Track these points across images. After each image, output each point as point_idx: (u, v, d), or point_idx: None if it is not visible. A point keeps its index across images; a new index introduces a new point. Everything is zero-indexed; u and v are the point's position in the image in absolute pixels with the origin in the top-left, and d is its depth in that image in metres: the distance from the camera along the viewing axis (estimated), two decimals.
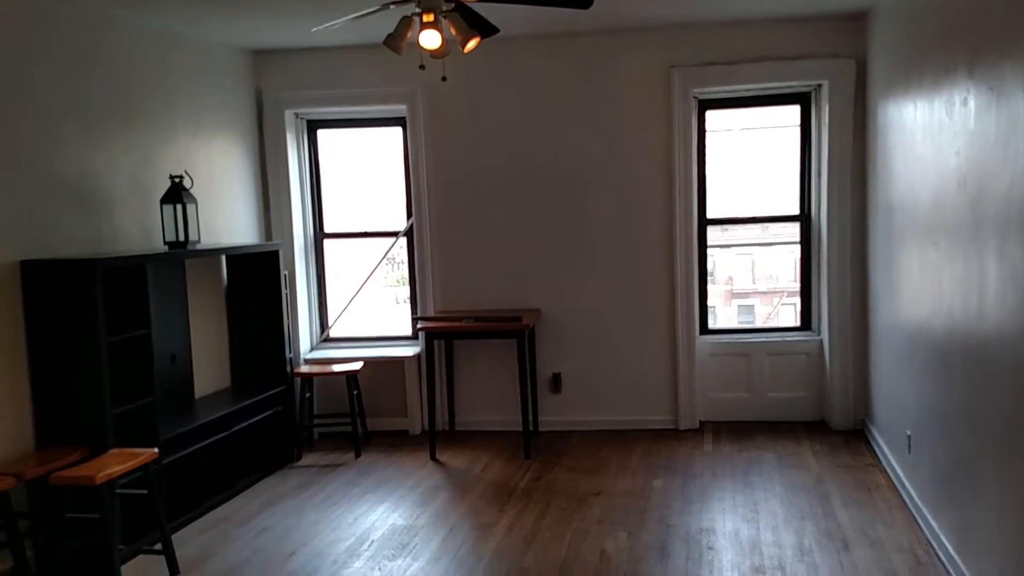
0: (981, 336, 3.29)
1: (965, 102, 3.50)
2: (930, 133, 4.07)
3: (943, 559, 3.76)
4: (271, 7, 4.89)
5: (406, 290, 6.59)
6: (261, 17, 5.15)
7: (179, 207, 4.94)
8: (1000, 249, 3.06)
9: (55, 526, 3.88)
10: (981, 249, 3.28)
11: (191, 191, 5.03)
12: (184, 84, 5.46)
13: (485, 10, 4.09)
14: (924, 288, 4.20)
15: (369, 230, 6.69)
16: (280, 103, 6.23)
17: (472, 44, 3.87)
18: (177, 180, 4.98)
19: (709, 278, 6.31)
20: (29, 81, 4.25)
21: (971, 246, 3.41)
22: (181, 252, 4.98)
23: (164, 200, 4.94)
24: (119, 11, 4.79)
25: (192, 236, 5.00)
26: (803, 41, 5.73)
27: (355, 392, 6.00)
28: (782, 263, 6.47)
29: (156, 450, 4.14)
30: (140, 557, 4.26)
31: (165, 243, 4.96)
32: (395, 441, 6.20)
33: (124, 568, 4.09)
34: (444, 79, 4.15)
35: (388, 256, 6.72)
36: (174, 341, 5.16)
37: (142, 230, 5.01)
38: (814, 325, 6.19)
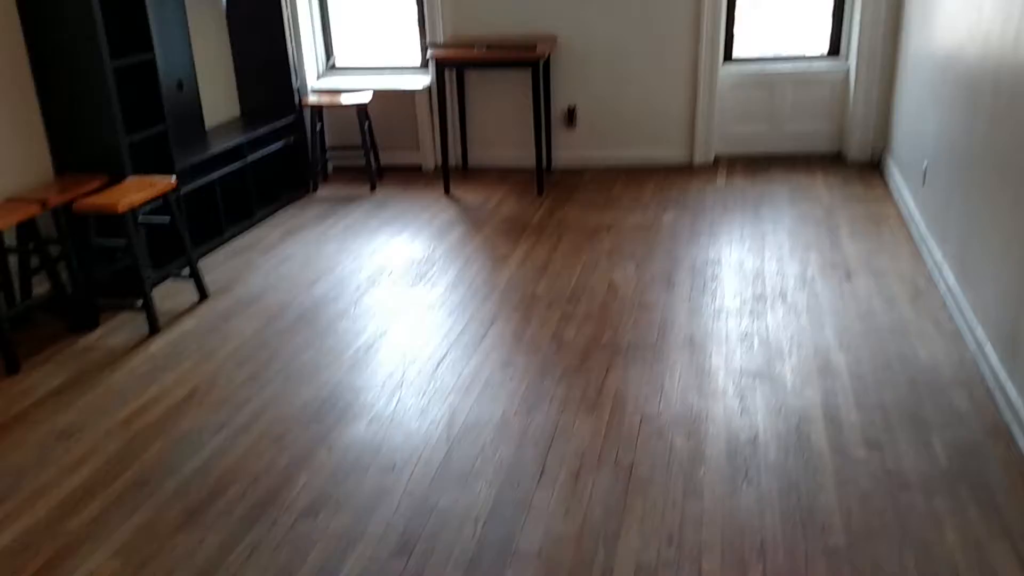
0: (1016, 65, 3.15)
1: None
2: None
3: (942, 288, 3.88)
4: None
5: (413, 16, 6.25)
6: None
7: None
8: None
9: (84, 252, 4.02)
10: None
11: None
12: None
13: None
14: (962, 11, 3.96)
15: None
16: None
17: None
18: None
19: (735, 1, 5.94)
20: None
21: None
22: None
23: None
24: None
25: None
26: None
27: (367, 125, 5.93)
28: None
29: (174, 178, 4.18)
30: (169, 282, 4.46)
31: None
32: (409, 176, 6.23)
33: (155, 292, 4.30)
34: None
35: None
36: (178, 66, 5.01)
37: None
38: (842, 51, 5.93)
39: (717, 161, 6.11)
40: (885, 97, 5.66)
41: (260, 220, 5.39)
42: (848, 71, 5.84)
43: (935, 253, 4.09)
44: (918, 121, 4.76)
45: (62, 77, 4.11)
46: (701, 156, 6.06)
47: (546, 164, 6.05)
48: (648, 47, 5.85)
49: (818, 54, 6.07)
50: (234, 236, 5.13)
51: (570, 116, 6.10)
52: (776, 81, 5.95)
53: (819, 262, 4.33)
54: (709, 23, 5.72)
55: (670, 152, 6.10)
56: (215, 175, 4.93)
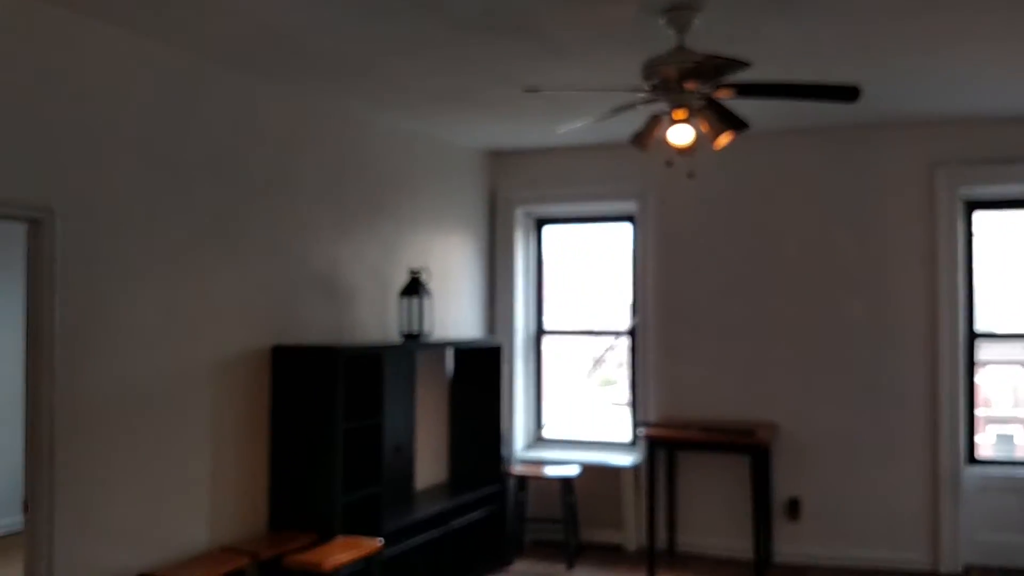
0: None
1: None
2: None
3: None
4: (515, 109, 5.00)
5: (618, 392, 6.32)
6: (503, 119, 5.30)
7: (415, 300, 5.04)
8: None
9: None
10: None
11: (427, 285, 5.14)
12: (426, 181, 5.68)
13: (737, 104, 3.91)
14: None
15: (590, 328, 6.56)
16: (512, 201, 6.35)
17: (724, 140, 3.69)
18: (416, 274, 5.11)
19: (976, 400, 5.55)
20: (295, 176, 4.56)
21: None
22: (415, 344, 5.05)
23: (404, 292, 5.06)
24: (375, 114, 5.10)
25: (426, 328, 5.07)
26: None
27: (570, 499, 5.75)
28: None
29: (381, 541, 4.09)
30: None
31: (401, 334, 5.06)
32: (609, 556, 5.84)
33: None
34: (692, 176, 3.97)
35: (603, 358, 6.54)
36: (400, 431, 5.19)
37: (379, 321, 5.16)
38: None
39: (968, 571, 5.29)
40: None
41: None
42: None
43: None
44: None
45: (296, 436, 4.32)
46: (948, 564, 5.29)
47: (766, 558, 5.49)
48: (880, 440, 5.45)
49: None
50: None
51: (793, 508, 5.63)
52: None
53: None
54: (947, 420, 5.31)
55: (910, 555, 5.38)
56: (417, 539, 4.82)
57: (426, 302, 5.10)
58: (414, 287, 5.08)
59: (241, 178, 4.24)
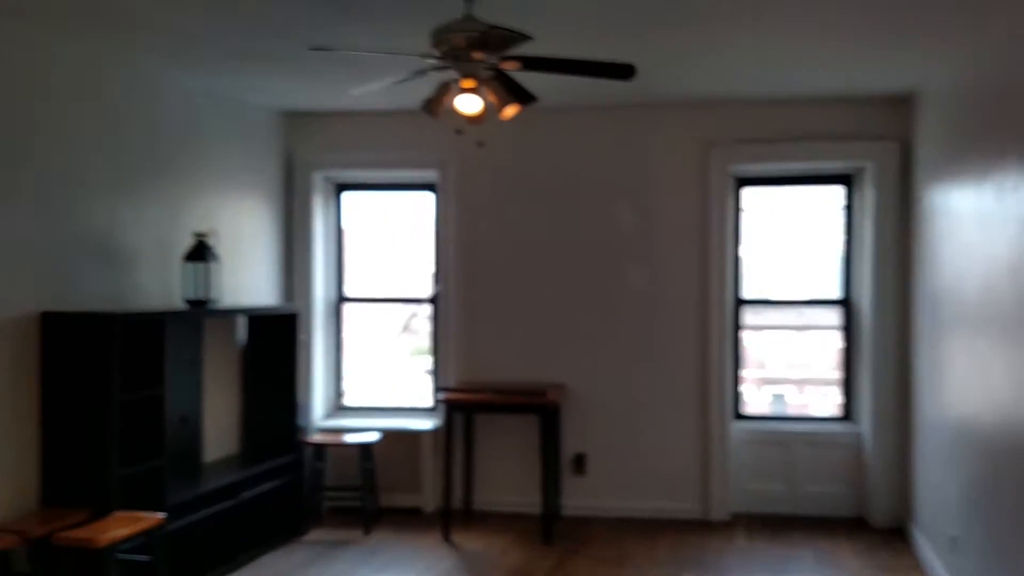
0: None
1: (1016, 189, 3.37)
2: (978, 220, 3.94)
3: None
4: (308, 70, 4.89)
5: (427, 361, 6.41)
6: (297, 79, 5.16)
7: (201, 265, 4.85)
8: None
9: None
10: None
11: (215, 250, 4.95)
12: (217, 142, 5.45)
13: (525, 78, 4.03)
14: (972, 381, 3.99)
15: (392, 296, 6.58)
16: (310, 165, 6.21)
17: (511, 111, 3.81)
18: (203, 238, 4.91)
19: (743, 361, 6.09)
20: (69, 131, 4.25)
21: (1023, 337, 3.22)
22: (201, 311, 4.87)
23: (188, 257, 4.85)
24: (163, 70, 4.83)
25: (214, 295, 4.89)
26: (846, 122, 5.63)
27: (368, 465, 5.78)
28: (819, 349, 6.24)
29: (162, 515, 3.95)
30: None
31: (185, 301, 4.85)
32: (407, 519, 5.94)
33: None
34: (481, 144, 4.07)
35: (410, 325, 6.60)
36: (186, 402, 5.00)
37: (162, 286, 4.92)
38: (854, 416, 5.93)
39: (735, 518, 5.83)
40: (903, 463, 5.54)
41: (244, 563, 5.01)
42: (861, 436, 5.80)
43: None
44: (940, 488, 4.59)
45: (68, 408, 4.06)
46: (718, 512, 5.81)
47: (554, 511, 5.78)
48: (658, 399, 5.88)
49: (831, 415, 6.09)
50: None
51: (579, 463, 5.97)
52: (789, 440, 5.90)
53: None
54: (716, 380, 5.80)
55: (684, 506, 5.86)
56: (204, 513, 4.68)
57: (213, 267, 4.90)
58: (200, 252, 4.88)
59: (8, 130, 3.90)
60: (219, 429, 5.43)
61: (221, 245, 5.18)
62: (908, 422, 5.47)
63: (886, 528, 5.57)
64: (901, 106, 5.53)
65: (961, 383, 4.21)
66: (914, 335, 5.37)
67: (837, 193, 5.98)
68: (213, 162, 5.41)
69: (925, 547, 4.88)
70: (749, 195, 6.05)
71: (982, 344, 3.82)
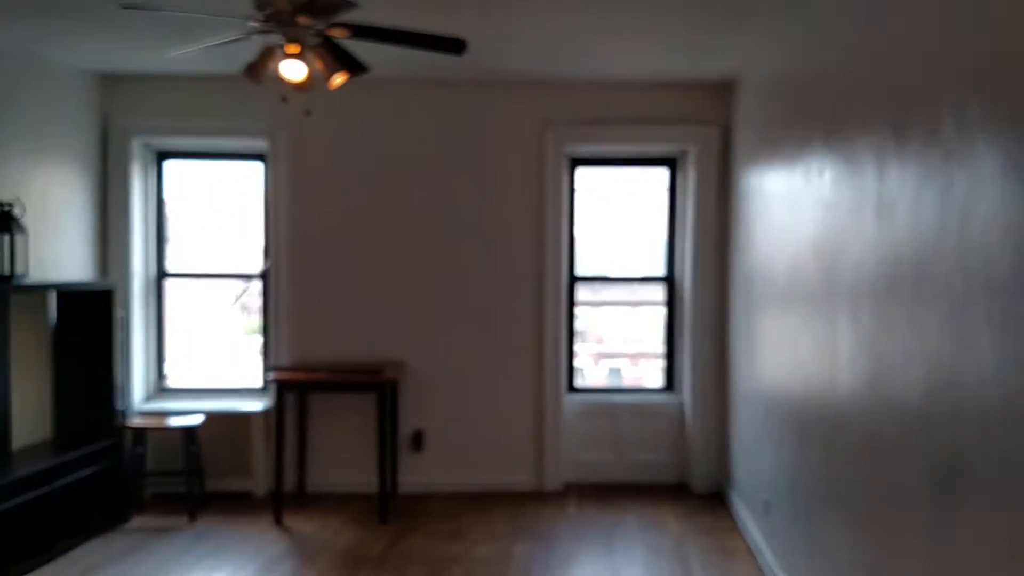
0: (835, 401, 3.32)
1: (821, 173, 3.59)
2: (789, 202, 4.17)
3: None
4: (123, 30, 4.56)
5: (259, 340, 6.18)
6: (111, 39, 4.80)
7: (6, 237, 4.45)
8: (852, 316, 3.11)
9: None
10: (835, 316, 3.33)
11: (21, 221, 4.55)
12: (21, 105, 4.99)
13: (356, 47, 3.93)
14: (781, 354, 4.26)
15: (219, 271, 6.28)
16: (127, 130, 5.81)
17: (339, 80, 3.70)
18: (7, 208, 4.50)
19: (578, 337, 6.25)
20: None
21: (826, 313, 3.46)
22: (6, 286, 4.47)
23: None
24: None
25: (19, 270, 4.51)
26: (673, 106, 5.85)
27: (193, 449, 5.52)
28: (650, 324, 6.50)
29: None
30: None
31: None
32: (237, 504, 5.72)
33: None
34: (308, 113, 3.93)
35: (242, 302, 6.33)
36: None
37: None
38: (677, 387, 6.23)
39: (568, 488, 6.00)
40: (721, 431, 5.88)
41: (59, 554, 4.69)
42: (682, 406, 6.09)
43: None
44: (754, 455, 4.89)
45: None
46: (551, 483, 5.96)
47: (391, 490, 5.74)
48: (495, 375, 5.94)
49: (655, 387, 6.35)
50: (24, 574, 4.40)
51: (417, 440, 5.95)
52: (618, 411, 6.12)
53: None
54: (551, 355, 5.92)
55: (521, 478, 5.97)
56: (13, 502, 4.33)
57: (19, 240, 4.52)
58: (4, 223, 4.49)
59: None
60: (29, 414, 5.02)
61: (28, 216, 4.79)
62: (725, 393, 5.80)
63: (707, 493, 5.90)
64: (723, 92, 5.82)
65: (772, 356, 4.49)
66: (731, 311, 5.69)
67: (663, 175, 6.22)
68: (19, 126, 4.95)
69: (742, 511, 5.20)
70: (583, 175, 6.19)
71: (791, 319, 4.07)
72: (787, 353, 4.12)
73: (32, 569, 4.48)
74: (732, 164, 5.71)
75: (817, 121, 3.67)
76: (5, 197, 4.63)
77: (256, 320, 6.26)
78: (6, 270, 4.48)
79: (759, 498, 4.69)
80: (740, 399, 5.36)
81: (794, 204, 4.05)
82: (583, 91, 5.83)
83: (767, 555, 4.41)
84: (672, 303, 6.23)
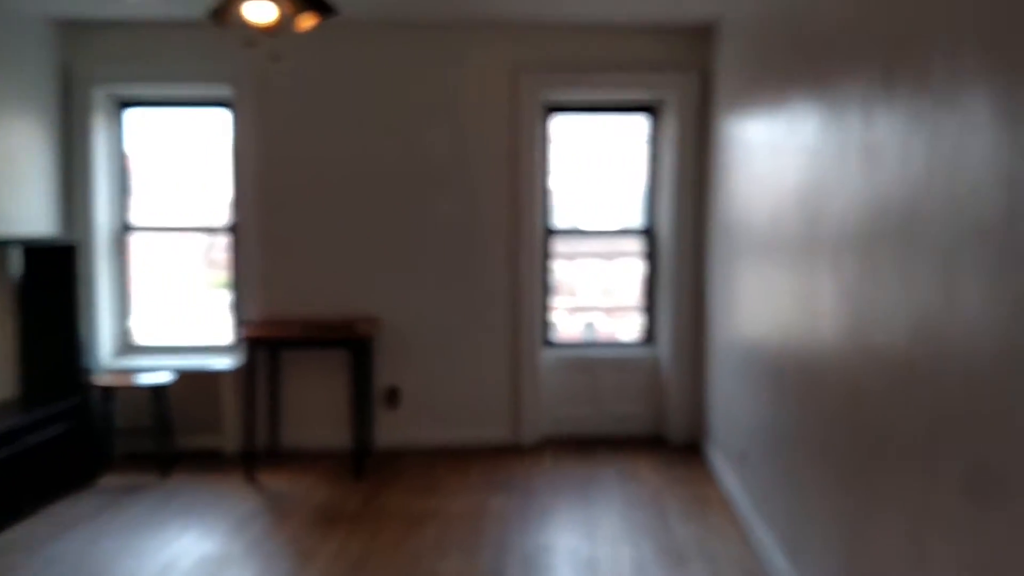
0: (814, 352, 3.29)
1: (805, 120, 3.51)
2: (771, 150, 4.09)
3: (774, 572, 3.74)
4: None
5: (229, 296, 6.05)
6: None
7: None
8: (835, 266, 3.06)
9: None
10: (816, 266, 3.28)
11: None
12: None
13: None
14: (761, 306, 4.22)
15: (186, 225, 6.12)
16: (89, 80, 5.59)
17: (307, 22, 3.54)
18: None
19: (552, 291, 6.19)
20: None
21: (807, 263, 3.41)
22: None
23: None
24: None
25: None
26: (651, 51, 5.72)
27: (163, 406, 5.42)
28: (627, 277, 6.44)
29: None
30: None
31: None
32: (208, 461, 5.64)
33: None
34: (276, 59, 3.78)
35: (210, 256, 6.18)
36: None
37: None
38: (655, 340, 6.20)
39: (545, 442, 5.99)
40: (697, 383, 5.87)
41: (28, 514, 4.60)
42: (659, 359, 6.07)
43: (763, 535, 4.00)
44: (732, 406, 4.89)
45: None
46: (528, 437, 5.94)
47: (366, 446, 5.70)
48: (470, 330, 5.87)
49: (634, 340, 6.33)
50: None
51: (393, 397, 5.88)
52: (595, 365, 6.08)
53: (652, 547, 4.13)
54: (526, 309, 5.85)
55: (496, 433, 5.94)
56: None
57: None
58: None
59: None
60: None
61: None
62: (703, 345, 5.79)
63: (683, 445, 5.91)
64: (703, 37, 5.68)
65: (751, 307, 4.45)
66: (709, 262, 5.64)
67: (642, 123, 6.11)
68: None
69: (718, 461, 5.22)
70: (558, 123, 6.06)
71: (770, 270, 4.03)
72: (766, 304, 4.08)
73: (0, 529, 4.40)
74: (713, 111, 5.61)
75: (801, 65, 3.58)
76: None
77: (225, 275, 6.12)
78: None
79: (735, 448, 4.70)
80: (718, 350, 5.34)
81: (776, 152, 3.97)
82: (558, 35, 5.68)
83: (744, 504, 4.42)
84: (651, 255, 6.17)
